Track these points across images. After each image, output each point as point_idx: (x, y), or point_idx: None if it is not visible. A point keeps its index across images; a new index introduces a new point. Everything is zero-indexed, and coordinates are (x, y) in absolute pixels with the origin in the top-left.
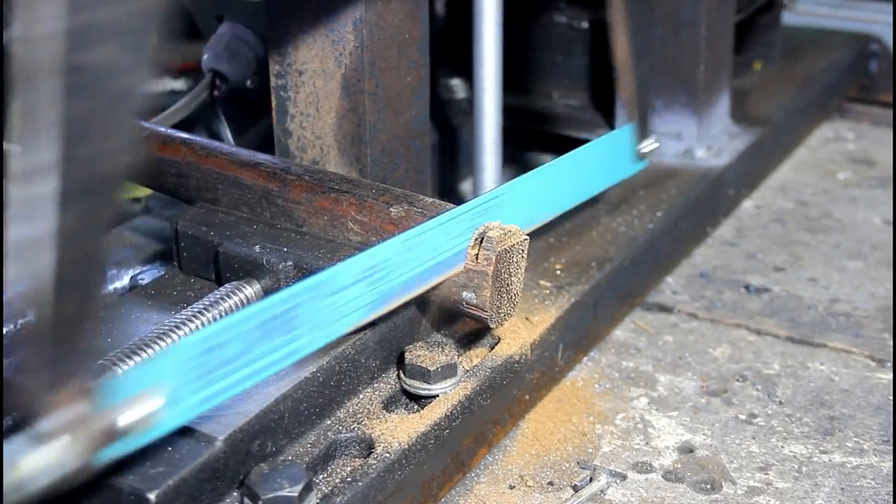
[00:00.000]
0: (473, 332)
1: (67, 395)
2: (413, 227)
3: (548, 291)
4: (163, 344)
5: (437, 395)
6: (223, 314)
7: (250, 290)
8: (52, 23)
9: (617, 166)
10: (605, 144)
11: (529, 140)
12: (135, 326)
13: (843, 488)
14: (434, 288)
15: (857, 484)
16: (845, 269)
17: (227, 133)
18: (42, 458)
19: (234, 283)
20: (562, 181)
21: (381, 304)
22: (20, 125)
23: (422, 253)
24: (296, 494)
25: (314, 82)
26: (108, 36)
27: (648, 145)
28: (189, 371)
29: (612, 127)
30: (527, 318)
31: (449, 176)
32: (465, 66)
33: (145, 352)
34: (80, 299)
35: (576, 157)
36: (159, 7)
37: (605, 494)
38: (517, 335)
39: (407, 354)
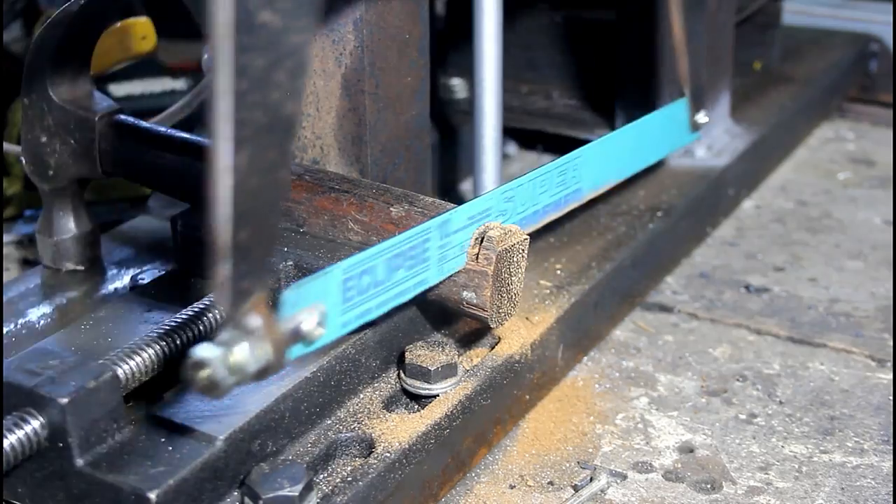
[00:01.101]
0: (474, 332)
1: (254, 304)
2: (413, 226)
3: (548, 291)
4: (162, 344)
5: (438, 395)
6: (223, 314)
7: None
8: None
9: (674, 135)
10: (664, 115)
11: (529, 140)
12: (135, 326)
13: (843, 488)
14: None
15: (857, 484)
16: (845, 269)
17: None
18: (247, 350)
19: None
20: (629, 147)
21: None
22: (212, 77)
23: (518, 203)
24: (296, 494)
25: (314, 82)
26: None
27: (702, 117)
28: (340, 293)
29: (611, 126)
30: (527, 318)
31: (449, 176)
32: (465, 66)
33: (145, 352)
34: (258, 227)
35: (640, 125)
36: None
37: (605, 494)
38: (517, 335)
39: (407, 354)
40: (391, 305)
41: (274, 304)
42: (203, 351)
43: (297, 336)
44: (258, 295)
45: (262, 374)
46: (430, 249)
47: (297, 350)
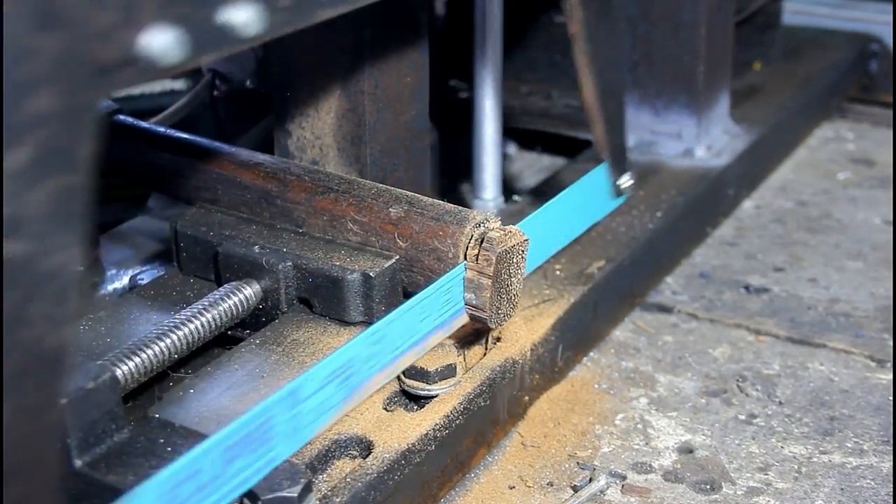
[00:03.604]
0: (473, 333)
1: None
2: (414, 225)
3: (548, 291)
4: (162, 345)
5: (437, 396)
6: (222, 314)
7: (250, 290)
8: None
9: (597, 204)
10: (584, 186)
11: (529, 140)
12: (135, 326)
13: (842, 488)
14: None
15: (857, 484)
16: (845, 269)
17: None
18: None
19: (233, 283)
20: (547, 228)
21: (354, 398)
22: None
23: (390, 344)
24: (295, 495)
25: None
26: (26, 224)
27: (626, 181)
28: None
29: None
30: (526, 319)
31: (449, 176)
32: (465, 66)
33: (145, 352)
34: (34, 479)
35: (558, 202)
36: (84, 183)
37: (604, 495)
38: (517, 335)
39: None
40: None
41: None
42: None
43: None
44: None
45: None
46: (276, 427)
47: None
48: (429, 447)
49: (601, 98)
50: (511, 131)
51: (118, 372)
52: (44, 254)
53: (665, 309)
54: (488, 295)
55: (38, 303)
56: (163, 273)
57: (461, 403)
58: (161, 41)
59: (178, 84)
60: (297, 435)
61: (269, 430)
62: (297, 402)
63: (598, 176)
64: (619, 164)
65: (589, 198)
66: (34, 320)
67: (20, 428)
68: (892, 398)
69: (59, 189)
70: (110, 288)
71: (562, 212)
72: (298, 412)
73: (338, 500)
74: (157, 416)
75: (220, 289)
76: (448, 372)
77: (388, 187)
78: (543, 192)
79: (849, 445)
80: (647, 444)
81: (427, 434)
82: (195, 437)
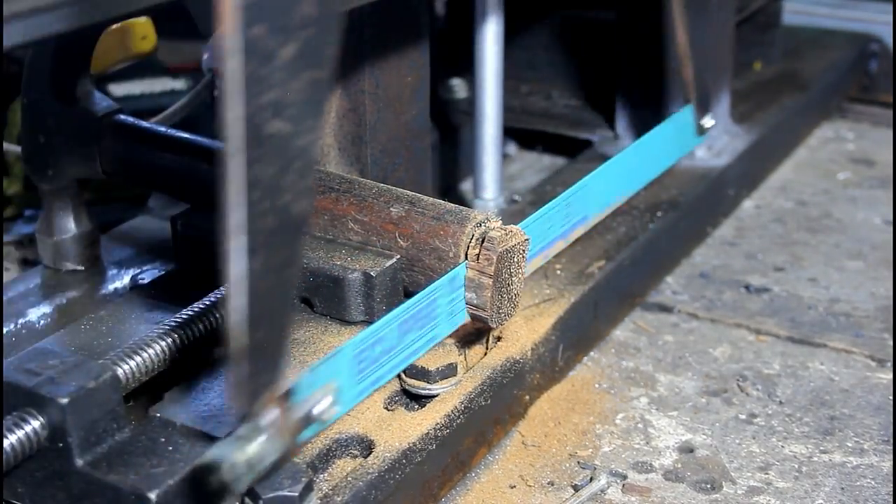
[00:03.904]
0: (474, 332)
1: (269, 400)
2: (415, 225)
3: (548, 291)
4: (163, 344)
5: (438, 395)
6: (223, 314)
7: None
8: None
9: (680, 142)
10: (669, 125)
11: (529, 140)
12: (135, 326)
13: (843, 488)
14: None
15: (857, 484)
16: (845, 269)
17: None
18: (262, 444)
19: None
20: (635, 164)
21: None
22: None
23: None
24: (297, 494)
25: None
26: (288, 107)
27: (708, 120)
28: (352, 367)
29: (612, 126)
30: (527, 318)
31: (449, 176)
32: (465, 66)
33: (146, 351)
34: (271, 325)
35: (645, 141)
36: (329, 77)
37: (605, 494)
38: (517, 335)
39: None
40: (403, 367)
41: None
42: (219, 450)
43: (311, 419)
44: (273, 390)
45: (279, 464)
46: (440, 307)
47: (312, 430)
48: (430, 446)
49: (692, 44)
50: (511, 131)
51: (119, 371)
52: (297, 134)
53: (665, 309)
54: (489, 294)
55: (290, 175)
56: (163, 273)
57: (462, 403)
58: None
59: (179, 84)
60: (454, 318)
61: (434, 310)
62: (455, 288)
63: (683, 115)
64: (704, 105)
65: (676, 134)
66: (287, 189)
67: (266, 282)
68: (892, 398)
69: (312, 80)
70: (110, 288)
71: (653, 146)
72: (456, 297)
73: (339, 499)
74: (159, 415)
75: (222, 288)
76: (449, 371)
77: (389, 187)
78: (544, 192)
79: (849, 445)
80: (647, 443)
81: (428, 433)
82: (197, 436)
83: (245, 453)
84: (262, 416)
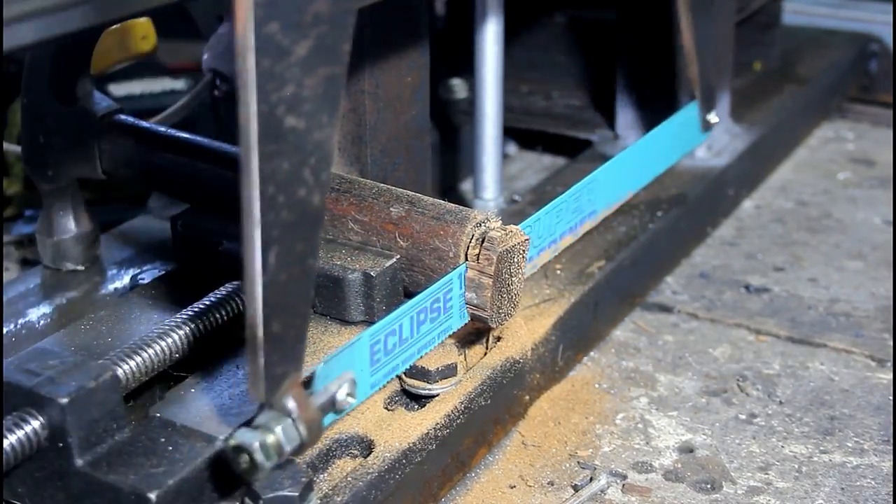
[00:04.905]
0: (474, 332)
1: (290, 387)
2: (415, 225)
3: (548, 291)
4: (163, 344)
5: (438, 395)
6: (223, 314)
7: None
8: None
9: (686, 138)
10: (678, 120)
11: (529, 140)
12: (135, 326)
13: (843, 488)
14: None
15: (857, 484)
16: (845, 269)
17: None
18: (284, 431)
19: (234, 282)
20: (642, 160)
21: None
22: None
23: (535, 234)
24: (297, 494)
25: None
26: (303, 103)
27: (713, 116)
28: (370, 356)
29: (612, 126)
30: (527, 318)
31: (449, 176)
32: (465, 66)
33: (146, 351)
34: (289, 315)
35: (652, 137)
36: (343, 73)
37: (605, 494)
38: (517, 335)
39: None
40: (417, 357)
41: None
42: (243, 436)
43: (329, 408)
44: (292, 378)
45: (299, 451)
46: (454, 299)
47: (328, 419)
48: (430, 446)
49: (698, 42)
50: (511, 131)
51: (119, 371)
52: (312, 129)
53: (665, 309)
54: (489, 294)
55: (307, 168)
56: (163, 273)
57: (462, 403)
58: None
59: (179, 84)
60: (465, 315)
61: (448, 302)
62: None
63: (688, 112)
64: (709, 101)
65: (682, 130)
66: (304, 182)
67: (284, 273)
68: (892, 398)
69: (327, 76)
70: (110, 288)
71: (660, 141)
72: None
73: (339, 499)
74: (159, 415)
75: (222, 288)
76: (449, 371)
77: (389, 187)
78: (544, 192)
79: (849, 445)
80: (647, 443)
81: (428, 433)
82: (196, 436)
83: (269, 437)
84: (283, 404)
